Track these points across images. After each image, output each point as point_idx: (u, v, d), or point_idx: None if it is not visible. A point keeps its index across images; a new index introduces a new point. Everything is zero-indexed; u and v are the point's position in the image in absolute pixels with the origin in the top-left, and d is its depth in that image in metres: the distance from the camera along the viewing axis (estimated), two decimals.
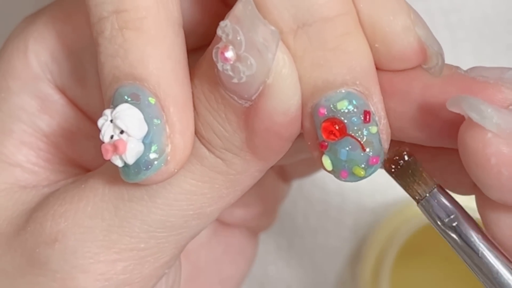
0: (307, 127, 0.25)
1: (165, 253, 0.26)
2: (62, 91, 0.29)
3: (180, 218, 0.26)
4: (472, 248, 0.25)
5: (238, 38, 0.23)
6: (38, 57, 0.29)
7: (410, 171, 0.26)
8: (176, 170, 0.24)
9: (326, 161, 0.25)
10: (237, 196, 0.26)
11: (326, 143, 0.24)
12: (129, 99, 0.24)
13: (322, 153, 0.25)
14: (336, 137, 0.24)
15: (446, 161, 0.27)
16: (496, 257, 0.25)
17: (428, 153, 0.27)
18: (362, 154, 0.24)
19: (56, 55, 0.29)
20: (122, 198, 0.26)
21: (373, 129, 0.24)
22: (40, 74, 0.29)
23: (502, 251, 0.25)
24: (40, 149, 0.29)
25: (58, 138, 0.30)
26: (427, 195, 0.25)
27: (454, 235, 0.25)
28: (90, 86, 0.29)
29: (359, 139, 0.24)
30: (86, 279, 0.26)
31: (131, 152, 0.24)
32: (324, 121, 0.24)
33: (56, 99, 0.29)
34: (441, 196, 0.25)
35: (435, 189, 0.25)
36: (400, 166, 0.26)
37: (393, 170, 0.26)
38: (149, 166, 0.24)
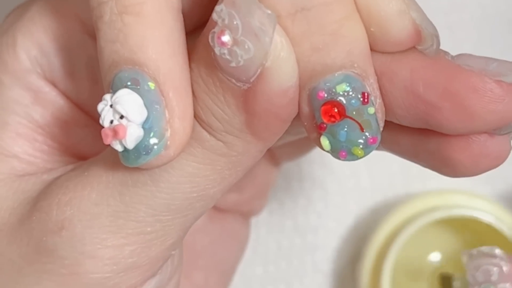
0: (305, 110, 0.25)
1: (171, 235, 0.26)
2: (53, 84, 0.30)
3: (184, 201, 0.26)
4: None
5: (235, 23, 0.23)
6: (28, 51, 0.29)
7: None
8: (175, 155, 0.24)
9: (325, 142, 0.25)
10: (239, 177, 0.27)
11: (325, 125, 0.25)
12: (128, 84, 0.24)
13: (320, 135, 0.25)
14: (336, 119, 0.24)
15: (431, 143, 0.27)
16: None
17: (414, 134, 0.27)
18: (360, 134, 0.24)
19: (45, 49, 0.29)
20: (126, 184, 0.26)
21: (371, 110, 0.25)
22: (30, 68, 0.29)
23: None
24: (36, 140, 0.29)
25: (53, 128, 0.30)
26: None
27: None
28: (79, 78, 0.30)
29: (358, 120, 0.24)
30: (95, 264, 0.26)
31: (131, 137, 0.24)
32: (323, 104, 0.24)
33: (48, 90, 0.29)
34: None
35: None
36: None
37: None
38: (149, 151, 0.24)
